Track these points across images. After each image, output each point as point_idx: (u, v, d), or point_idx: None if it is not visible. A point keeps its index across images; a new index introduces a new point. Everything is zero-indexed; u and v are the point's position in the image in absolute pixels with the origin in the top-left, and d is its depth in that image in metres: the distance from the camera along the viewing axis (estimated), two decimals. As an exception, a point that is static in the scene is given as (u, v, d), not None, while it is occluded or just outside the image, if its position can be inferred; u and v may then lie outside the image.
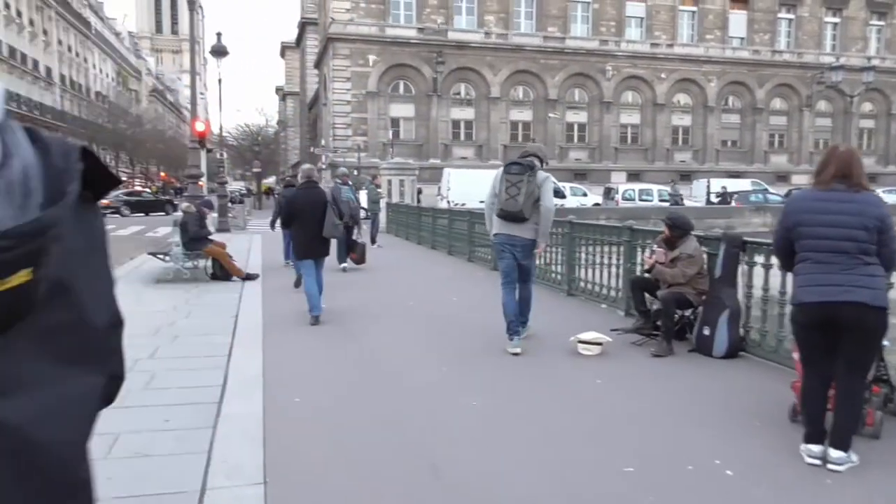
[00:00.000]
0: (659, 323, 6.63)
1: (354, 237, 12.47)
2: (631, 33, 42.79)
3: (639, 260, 7.84)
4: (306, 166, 8.81)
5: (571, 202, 29.07)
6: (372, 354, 6.21)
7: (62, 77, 56.58)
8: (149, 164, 74.74)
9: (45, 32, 53.20)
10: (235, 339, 6.68)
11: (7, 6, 46.28)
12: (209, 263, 10.93)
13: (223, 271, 10.74)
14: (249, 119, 54.00)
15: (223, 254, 10.77)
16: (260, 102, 76.99)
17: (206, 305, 8.59)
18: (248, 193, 47.56)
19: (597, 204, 30.76)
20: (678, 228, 6.63)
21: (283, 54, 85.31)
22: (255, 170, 47.08)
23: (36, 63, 50.84)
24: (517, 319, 6.26)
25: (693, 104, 44.57)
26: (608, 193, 31.96)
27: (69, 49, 59.27)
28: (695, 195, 34.30)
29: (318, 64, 46.66)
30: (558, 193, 29.16)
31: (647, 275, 6.93)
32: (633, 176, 41.46)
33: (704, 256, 6.60)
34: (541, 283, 10.06)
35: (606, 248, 8.80)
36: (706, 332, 6.28)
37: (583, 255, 9.26)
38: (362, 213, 14.60)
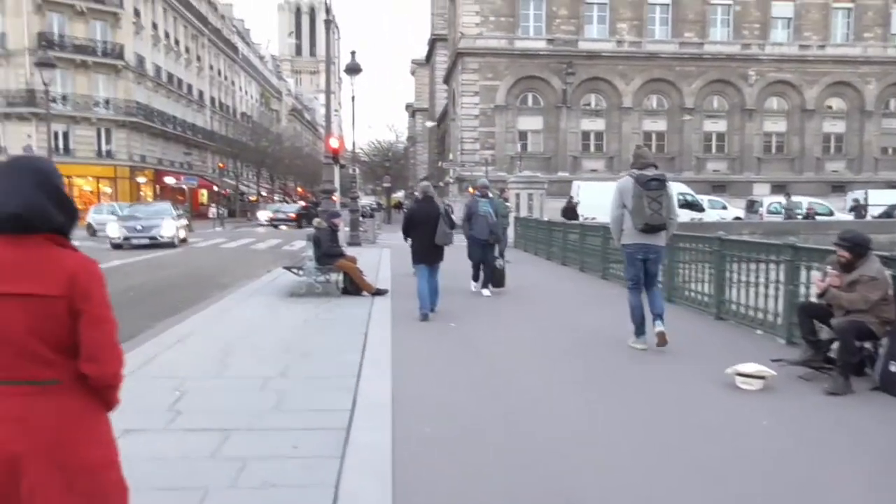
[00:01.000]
0: (832, 355, 5.78)
1: (496, 259, 10.99)
2: (777, 35, 40.13)
3: (803, 280, 6.96)
4: (424, 183, 10.61)
5: (710, 216, 27.42)
6: (507, 380, 5.82)
7: (212, 99, 60.95)
8: (287, 180, 78.86)
9: (198, 58, 57.58)
10: (364, 357, 6.51)
11: (167, 35, 50.45)
12: (340, 278, 11.00)
13: (354, 286, 10.76)
14: (380, 135, 55.63)
15: (354, 269, 10.80)
16: (390, 119, 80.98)
17: (337, 321, 8.55)
18: (378, 208, 48.93)
19: (738, 218, 28.82)
20: (858, 247, 5.77)
21: (413, 72, 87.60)
22: (385, 185, 48.27)
23: (190, 87, 55.07)
24: (644, 322, 6.79)
25: (848, 109, 41.03)
26: (751, 206, 29.87)
27: (219, 73, 63.81)
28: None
29: (448, 79, 47.23)
30: (696, 206, 27.96)
31: (819, 300, 6.08)
32: (778, 188, 38.59)
33: (890, 279, 5.70)
34: (685, 305, 9.30)
35: (761, 267, 7.90)
36: (893, 367, 5.40)
37: (735, 275, 8.39)
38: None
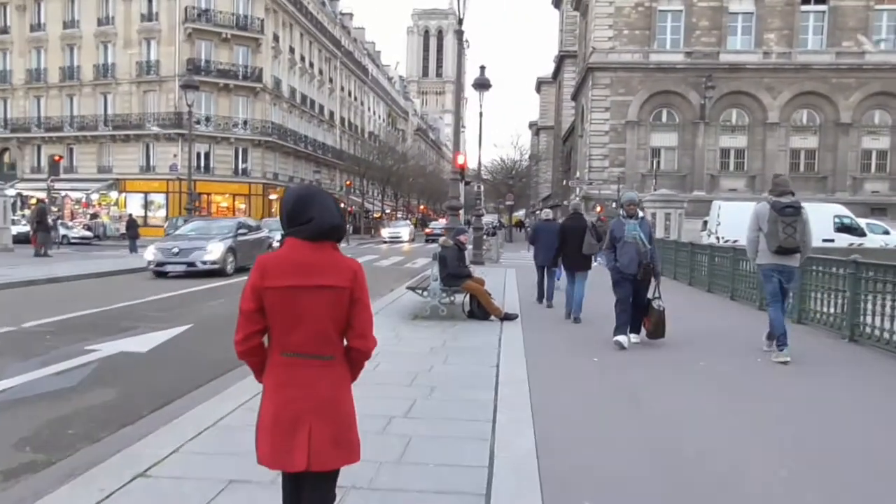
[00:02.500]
0: None
1: (652, 300, 7.94)
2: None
3: None
4: (575, 201, 12.53)
5: (872, 241, 24.44)
6: (671, 433, 4.72)
7: (342, 119, 62.88)
8: (410, 198, 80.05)
9: (330, 80, 59.63)
10: (499, 397, 5.60)
11: (302, 59, 52.54)
12: (466, 300, 10.20)
13: (480, 309, 9.92)
14: (504, 153, 55.05)
15: (482, 291, 9.96)
16: (514, 138, 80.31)
17: (465, 350, 7.71)
18: (499, 226, 48.21)
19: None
20: None
21: (538, 89, 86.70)
22: (507, 203, 47.48)
23: (322, 107, 57.03)
24: (786, 333, 7.33)
25: None
26: (925, 232, 26.38)
27: (349, 94, 65.84)
28: None
29: (576, 95, 45.95)
30: (856, 230, 25.01)
31: None
32: (950, 211, 34.29)
33: None
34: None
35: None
36: None
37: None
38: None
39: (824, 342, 8.54)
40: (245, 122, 44.66)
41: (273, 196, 46.88)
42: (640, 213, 8.16)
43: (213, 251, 17.29)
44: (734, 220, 23.80)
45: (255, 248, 19.09)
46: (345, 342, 2.49)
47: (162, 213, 43.24)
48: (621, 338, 7.81)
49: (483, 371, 6.61)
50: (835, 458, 4.39)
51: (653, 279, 7.92)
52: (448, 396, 5.67)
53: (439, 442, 4.51)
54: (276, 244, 18.07)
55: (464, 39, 14.03)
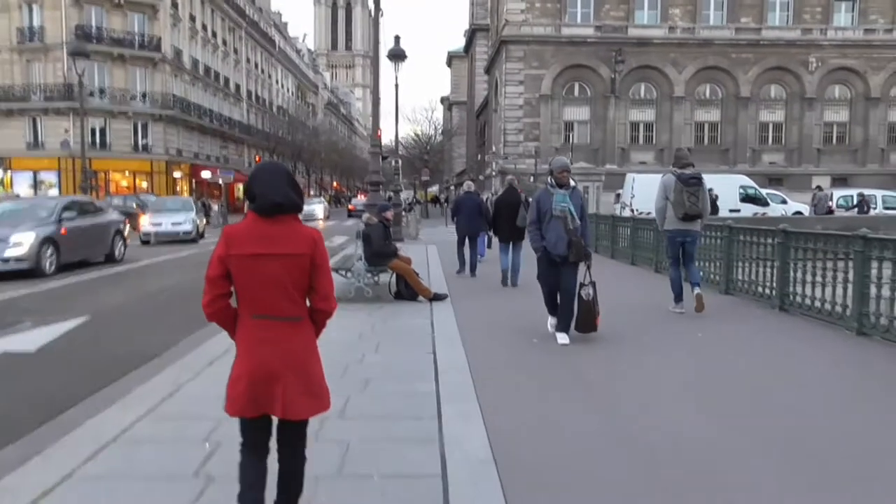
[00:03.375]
0: None
1: (581, 286, 6.67)
2: (840, 19, 37.74)
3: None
4: (509, 177, 12.43)
5: (774, 210, 25.50)
6: (629, 419, 4.41)
7: (249, 92, 60.33)
8: (323, 174, 78.25)
9: (235, 51, 56.94)
10: (441, 387, 5.16)
11: (204, 28, 49.82)
12: (393, 280, 9.70)
13: (409, 290, 9.44)
14: (419, 128, 54.27)
15: (410, 270, 9.47)
16: (427, 112, 79.25)
17: (396, 334, 7.22)
18: (416, 202, 47.71)
19: (799, 212, 26.78)
20: None
21: (449, 63, 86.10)
22: (423, 178, 46.98)
23: (227, 80, 54.43)
24: (682, 289, 8.32)
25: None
26: (818, 199, 27.76)
27: (256, 66, 63.16)
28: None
29: (489, 69, 45.75)
30: (760, 200, 25.89)
31: None
32: (840, 180, 36.35)
33: None
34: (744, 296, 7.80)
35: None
36: None
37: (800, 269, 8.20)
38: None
39: (755, 312, 8.58)
40: (144, 95, 41.99)
41: (177, 174, 44.44)
42: (572, 183, 6.72)
43: (21, 243, 12.83)
44: (649, 192, 24.09)
45: (92, 238, 14.93)
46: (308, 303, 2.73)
47: (54, 192, 40.20)
48: (551, 324, 6.99)
49: (419, 358, 6.15)
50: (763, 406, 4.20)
51: (583, 262, 6.63)
52: (385, 390, 5.18)
53: (381, 446, 4.02)
54: (127, 227, 16.74)
55: (369, 15, 13.30)
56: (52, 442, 4.12)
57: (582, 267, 6.67)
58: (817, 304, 7.62)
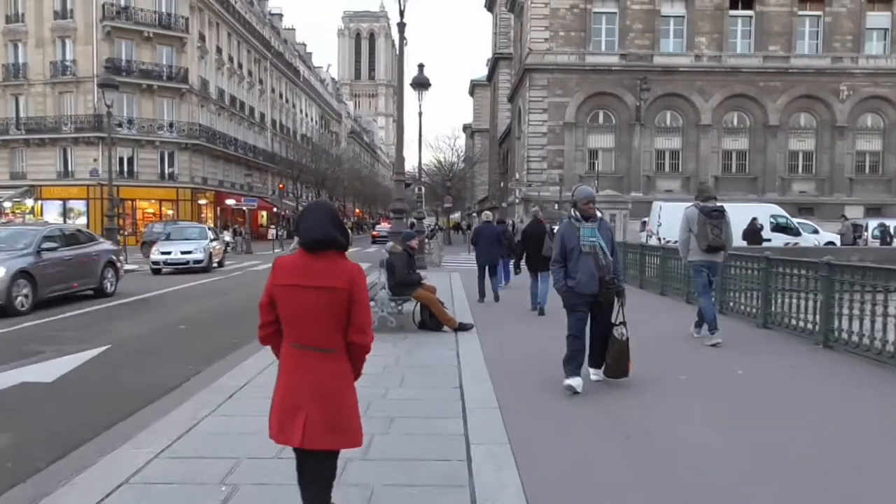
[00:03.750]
0: None
1: (613, 326, 6.11)
2: (871, 48, 37.23)
3: None
4: (533, 209, 12.77)
5: (807, 240, 24.90)
6: (674, 468, 4.06)
7: (273, 122, 61.08)
8: (346, 201, 78.65)
9: (260, 82, 57.80)
10: (469, 428, 4.86)
11: (230, 59, 50.65)
12: (417, 310, 9.44)
13: (433, 319, 9.16)
14: (441, 155, 54.16)
15: (434, 300, 9.20)
16: (450, 140, 78.98)
17: (421, 368, 6.92)
18: (438, 228, 47.57)
19: (830, 242, 26.10)
20: None
21: (471, 92, 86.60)
22: (445, 205, 46.90)
23: (252, 110, 55.17)
24: (716, 318, 8.37)
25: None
26: (853, 229, 27.12)
27: (280, 96, 64.03)
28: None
29: (512, 97, 45.79)
30: (791, 230, 25.36)
31: None
32: (873, 210, 35.53)
33: None
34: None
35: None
36: None
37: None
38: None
39: (796, 347, 8.15)
40: (171, 125, 42.60)
41: (202, 201, 44.86)
42: (598, 214, 6.12)
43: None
44: (675, 220, 23.74)
45: (76, 271, 13.73)
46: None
47: (83, 220, 40.73)
48: (573, 381, 5.86)
49: (445, 394, 5.85)
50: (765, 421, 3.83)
51: (616, 299, 6.08)
52: (410, 429, 4.89)
53: (407, 493, 3.74)
54: (121, 261, 15.83)
55: (404, 30, 13.25)
56: (63, 483, 3.89)
57: (616, 305, 6.12)
58: (866, 341, 7.17)
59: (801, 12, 36.90)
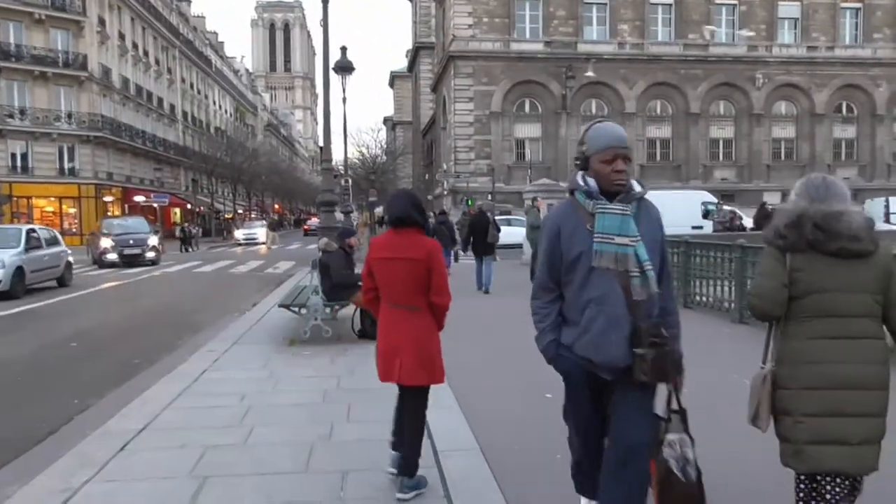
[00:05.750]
0: None
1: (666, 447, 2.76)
2: (784, 36, 38.14)
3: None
4: (480, 202, 14.53)
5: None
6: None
7: (184, 113, 57.72)
8: (264, 197, 75.67)
9: (169, 71, 54.41)
10: (448, 483, 3.70)
11: (135, 46, 47.32)
12: (357, 317, 8.18)
13: (374, 326, 7.91)
14: (364, 149, 52.26)
15: (376, 304, 7.98)
16: (373, 132, 75.95)
17: (369, 393, 5.65)
18: (363, 223, 45.95)
19: (754, 228, 26.30)
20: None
21: (392, 84, 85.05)
22: (370, 199, 45.38)
23: (161, 100, 51.84)
24: None
25: (859, 113, 39.11)
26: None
27: (191, 86, 60.62)
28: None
29: (436, 86, 44.67)
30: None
31: None
32: (783, 197, 36.47)
33: None
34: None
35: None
36: None
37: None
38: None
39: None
40: (70, 116, 39.17)
41: (108, 198, 41.58)
42: (637, 187, 2.76)
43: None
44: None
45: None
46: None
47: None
48: None
49: (406, 428, 4.66)
50: None
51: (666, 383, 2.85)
52: (371, 488, 3.67)
53: None
54: None
55: (307, 38, 11.87)
56: None
57: (666, 392, 2.81)
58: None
59: (717, 1, 37.39)
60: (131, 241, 23.34)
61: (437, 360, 3.52)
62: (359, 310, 8.10)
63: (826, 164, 38.50)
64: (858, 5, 38.46)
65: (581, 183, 2.70)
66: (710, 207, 25.23)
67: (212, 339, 8.33)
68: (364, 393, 5.61)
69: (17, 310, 12.31)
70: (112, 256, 22.71)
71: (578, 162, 2.78)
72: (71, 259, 17.38)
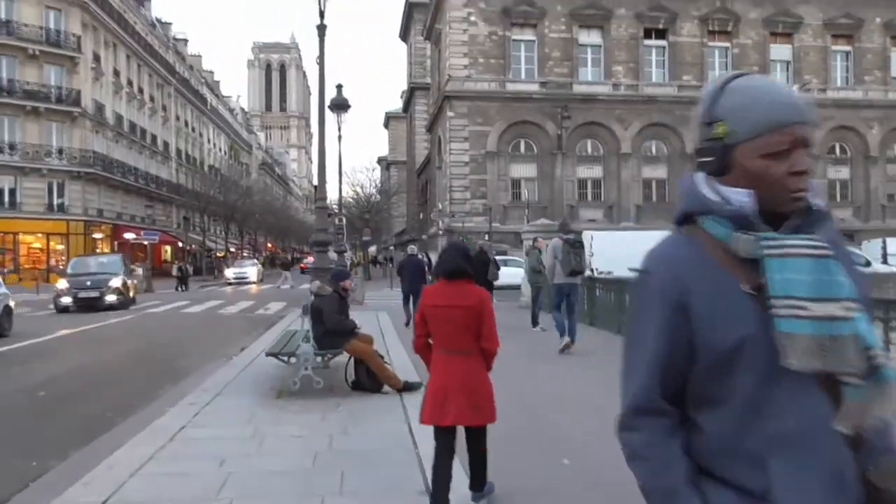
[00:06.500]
0: None
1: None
2: (777, 78, 38.28)
3: None
4: (480, 242, 16.02)
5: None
6: None
7: (178, 151, 57.54)
8: (257, 235, 75.15)
9: (164, 108, 54.38)
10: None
11: (130, 83, 47.27)
12: (350, 366, 7.60)
13: (371, 379, 7.35)
14: (358, 188, 51.86)
15: (372, 353, 7.39)
16: (368, 172, 75.23)
17: (365, 457, 5.08)
18: (356, 263, 45.44)
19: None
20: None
21: (386, 124, 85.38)
22: (364, 238, 44.99)
23: (154, 138, 51.66)
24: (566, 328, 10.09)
25: (852, 154, 39.16)
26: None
27: (186, 124, 60.58)
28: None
29: (432, 126, 44.61)
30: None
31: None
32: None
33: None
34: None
35: None
36: None
37: None
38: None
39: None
40: (60, 151, 38.81)
41: (98, 235, 40.93)
42: (818, 199, 1.34)
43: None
44: (608, 250, 22.88)
45: None
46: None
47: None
48: None
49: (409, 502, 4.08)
50: None
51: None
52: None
53: None
54: None
55: (325, 33, 11.60)
56: None
57: None
58: None
59: (710, 43, 37.64)
60: (88, 283, 20.74)
61: (491, 400, 3.75)
62: (353, 359, 7.52)
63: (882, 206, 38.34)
64: (848, 48, 38.80)
65: (715, 198, 1.34)
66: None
67: (194, 389, 7.70)
68: (359, 457, 5.01)
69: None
70: (66, 300, 20.21)
71: (706, 158, 1.39)
72: (12, 304, 14.84)
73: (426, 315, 3.79)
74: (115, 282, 21.05)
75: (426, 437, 5.46)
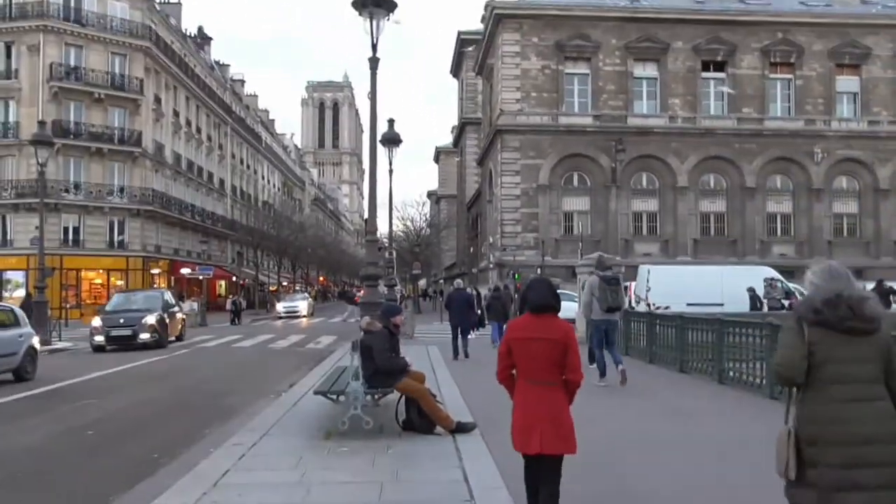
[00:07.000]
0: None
1: None
2: (843, 111, 37.04)
3: None
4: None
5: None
6: None
7: (233, 187, 58.88)
8: (309, 269, 75.99)
9: (220, 147, 55.87)
10: None
11: (188, 123, 48.74)
12: (401, 404, 7.18)
13: (423, 419, 6.92)
14: (410, 221, 52.15)
15: (424, 392, 6.98)
16: (418, 205, 75.29)
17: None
18: (406, 296, 45.25)
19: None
20: None
21: (437, 159, 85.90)
22: (414, 271, 44.85)
23: (210, 175, 52.99)
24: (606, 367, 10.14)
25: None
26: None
27: (241, 161, 62.09)
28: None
29: (483, 160, 44.56)
30: (788, 293, 23.80)
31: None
32: (855, 273, 34.23)
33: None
34: None
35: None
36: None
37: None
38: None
39: None
40: (122, 190, 40.05)
41: (155, 270, 41.89)
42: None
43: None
44: (666, 284, 22.06)
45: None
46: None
47: (21, 292, 37.42)
48: None
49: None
50: None
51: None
52: None
53: None
54: None
55: (377, 66, 11.49)
56: None
57: None
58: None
59: (772, 75, 36.70)
60: (121, 321, 19.19)
61: (572, 432, 3.81)
62: (404, 398, 7.11)
63: (893, 242, 36.55)
64: (920, 80, 37.35)
65: None
66: (779, 285, 23.66)
67: (241, 429, 7.39)
68: (411, 508, 4.57)
69: (41, 389, 11.63)
70: (99, 339, 18.89)
71: None
72: (36, 345, 13.45)
73: (511, 347, 3.88)
74: (150, 319, 19.34)
75: (483, 489, 4.99)
